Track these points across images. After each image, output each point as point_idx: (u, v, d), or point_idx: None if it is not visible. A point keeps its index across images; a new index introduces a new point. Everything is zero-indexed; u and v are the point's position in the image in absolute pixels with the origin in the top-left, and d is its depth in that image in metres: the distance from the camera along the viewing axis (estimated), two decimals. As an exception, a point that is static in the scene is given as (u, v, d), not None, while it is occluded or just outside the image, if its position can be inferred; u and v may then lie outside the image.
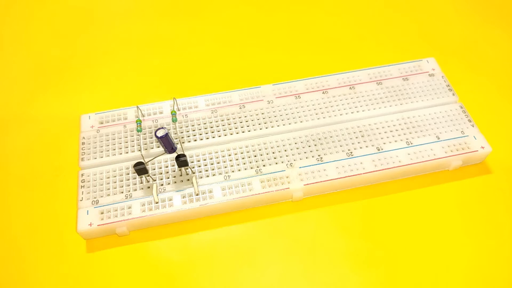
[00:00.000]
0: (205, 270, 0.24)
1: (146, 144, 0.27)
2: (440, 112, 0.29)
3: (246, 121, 0.28)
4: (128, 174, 0.26)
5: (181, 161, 0.25)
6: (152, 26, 0.37)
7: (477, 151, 0.27)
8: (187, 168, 0.26)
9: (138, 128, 0.27)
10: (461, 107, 0.29)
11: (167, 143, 0.25)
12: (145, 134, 0.28)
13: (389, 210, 0.26)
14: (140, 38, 0.36)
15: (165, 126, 0.27)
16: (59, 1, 0.38)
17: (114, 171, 0.26)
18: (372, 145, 0.27)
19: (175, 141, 0.27)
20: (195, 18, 0.37)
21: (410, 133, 0.28)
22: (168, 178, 0.26)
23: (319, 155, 0.27)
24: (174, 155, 0.26)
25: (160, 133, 0.24)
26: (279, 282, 0.24)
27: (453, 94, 0.30)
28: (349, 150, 0.27)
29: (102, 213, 0.25)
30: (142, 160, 0.25)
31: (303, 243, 0.25)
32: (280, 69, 0.33)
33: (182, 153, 0.25)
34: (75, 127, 0.29)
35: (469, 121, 0.28)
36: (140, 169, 0.24)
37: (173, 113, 0.27)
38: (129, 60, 0.34)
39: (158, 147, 0.27)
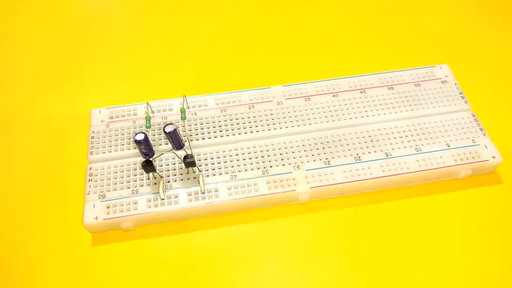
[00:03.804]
0: (207, 269, 0.24)
1: (154, 140, 0.27)
2: (452, 120, 0.28)
3: (255, 121, 0.28)
4: (136, 169, 0.26)
5: (189, 162, 0.25)
6: (166, 25, 0.37)
7: (488, 160, 0.26)
8: (194, 167, 0.26)
9: (147, 124, 0.27)
10: (473, 115, 0.29)
11: (175, 139, 0.25)
12: (153, 130, 0.28)
13: (396, 216, 0.26)
14: (154, 37, 0.36)
15: (174, 123, 0.27)
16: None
17: (122, 166, 0.26)
18: (381, 151, 0.27)
19: (183, 138, 0.27)
20: (210, 18, 0.37)
21: (420, 139, 0.27)
22: (175, 175, 0.26)
23: (326, 158, 0.27)
24: (183, 152, 0.26)
25: (169, 129, 0.24)
26: (281, 283, 0.24)
27: (466, 102, 0.29)
28: (357, 154, 0.27)
29: (108, 207, 0.25)
30: (150, 158, 0.25)
31: (307, 246, 0.25)
32: (290, 70, 0.33)
33: (190, 153, 0.25)
34: (85, 121, 0.29)
35: (481, 129, 0.28)
36: (148, 167, 0.25)
37: (183, 111, 0.27)
38: (141, 58, 0.34)
39: (166, 143, 0.27)
